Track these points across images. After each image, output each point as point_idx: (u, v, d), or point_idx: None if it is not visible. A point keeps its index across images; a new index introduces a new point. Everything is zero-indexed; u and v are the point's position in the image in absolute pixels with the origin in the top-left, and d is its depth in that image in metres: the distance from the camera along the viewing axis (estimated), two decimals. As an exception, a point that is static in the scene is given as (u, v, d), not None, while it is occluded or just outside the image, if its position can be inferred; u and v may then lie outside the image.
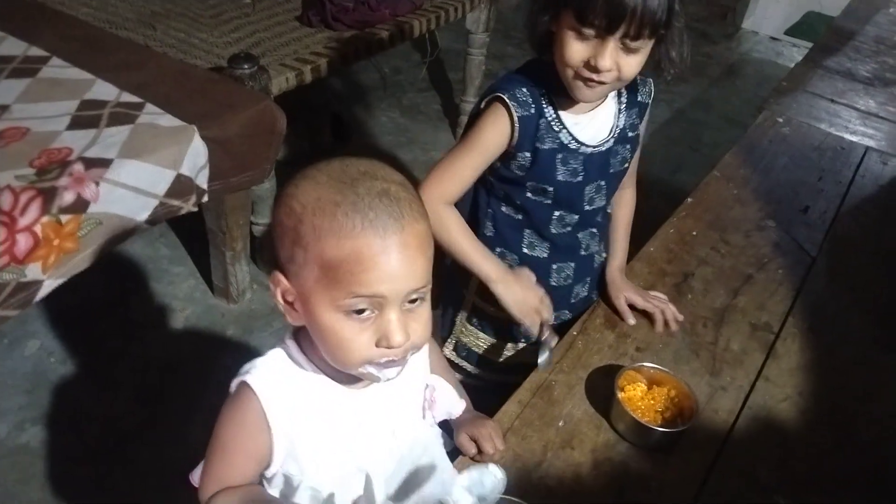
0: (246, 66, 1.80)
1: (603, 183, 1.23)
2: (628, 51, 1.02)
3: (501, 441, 1.01)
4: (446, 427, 1.03)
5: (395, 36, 2.39)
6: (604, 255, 1.37)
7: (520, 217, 1.25)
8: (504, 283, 1.17)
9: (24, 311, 1.35)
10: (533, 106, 1.14)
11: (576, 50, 1.03)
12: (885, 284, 1.49)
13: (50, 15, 2.00)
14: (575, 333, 1.24)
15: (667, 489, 1.01)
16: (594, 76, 1.04)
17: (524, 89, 1.14)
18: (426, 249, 0.74)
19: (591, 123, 1.18)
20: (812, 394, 1.20)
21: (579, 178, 1.19)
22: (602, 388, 1.12)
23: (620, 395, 1.07)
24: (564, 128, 1.16)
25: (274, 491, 0.84)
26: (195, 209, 1.63)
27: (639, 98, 1.23)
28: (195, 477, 0.85)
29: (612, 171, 1.23)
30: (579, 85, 1.07)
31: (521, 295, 1.17)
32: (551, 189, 1.19)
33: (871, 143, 2.01)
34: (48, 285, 1.36)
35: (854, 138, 2.02)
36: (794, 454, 1.09)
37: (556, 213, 1.23)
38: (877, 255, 1.59)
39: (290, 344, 0.82)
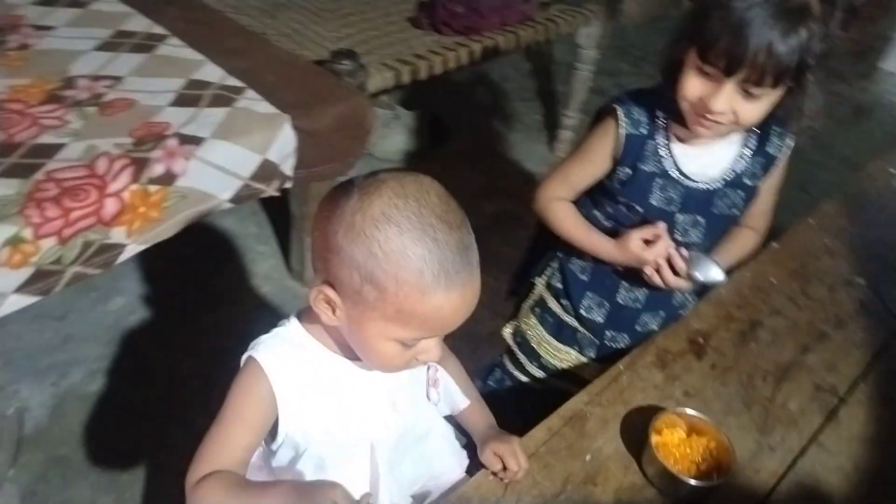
0: (346, 62, 1.85)
1: (702, 220, 1.20)
2: (749, 96, 1.00)
3: (525, 459, 1.00)
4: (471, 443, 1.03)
5: (500, 44, 2.39)
6: (690, 299, 1.34)
7: (607, 224, 1.25)
8: (621, 260, 1.22)
9: (105, 272, 1.44)
10: (645, 126, 1.15)
11: (693, 86, 1.03)
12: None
13: (177, -4, 2.13)
14: (622, 367, 1.20)
15: (687, 544, 0.97)
16: (707, 115, 1.02)
17: (641, 108, 1.16)
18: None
19: (702, 159, 1.16)
20: (870, 468, 1.12)
21: (673, 208, 1.18)
22: (639, 427, 1.08)
23: (655, 438, 1.04)
24: (671, 156, 1.16)
25: (280, 460, 0.89)
26: (277, 194, 1.68)
27: (768, 149, 1.19)
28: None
29: (715, 211, 1.20)
30: (694, 120, 1.07)
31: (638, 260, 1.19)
32: (641, 210, 1.19)
33: None
34: (130, 249, 1.45)
35: (975, 199, 1.86)
36: (837, 528, 1.03)
37: None
38: (976, 331, 1.46)
39: (294, 322, 0.89)
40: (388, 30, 2.40)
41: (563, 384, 1.36)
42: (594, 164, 1.21)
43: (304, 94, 1.73)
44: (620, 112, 1.15)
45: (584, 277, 1.32)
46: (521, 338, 1.42)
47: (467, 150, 3.02)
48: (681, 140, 1.16)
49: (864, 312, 1.43)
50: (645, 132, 1.15)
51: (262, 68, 1.80)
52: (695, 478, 1.01)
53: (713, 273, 1.20)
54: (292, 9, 2.48)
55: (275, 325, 0.91)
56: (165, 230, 1.50)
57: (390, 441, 0.91)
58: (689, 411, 1.07)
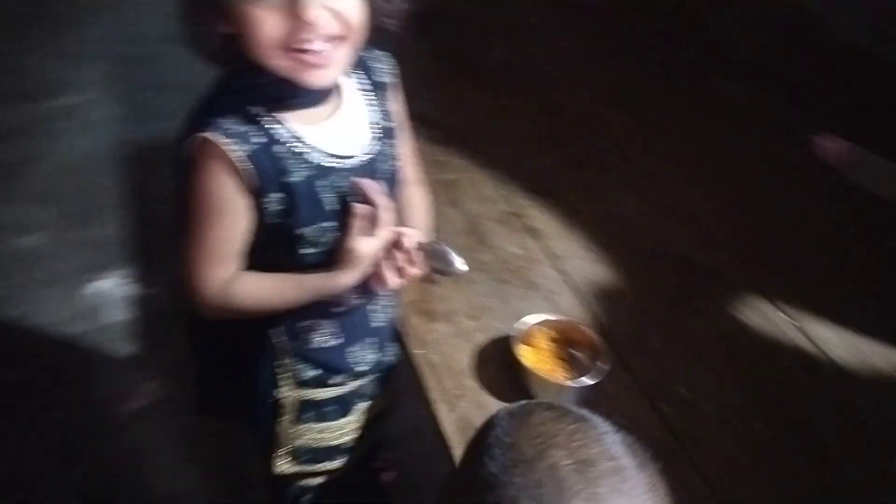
0: None
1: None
2: None
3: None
4: None
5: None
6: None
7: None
8: (342, 281, 0.94)
9: None
10: (255, 133, 0.87)
11: (269, 23, 0.79)
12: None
13: None
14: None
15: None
16: (310, 37, 0.80)
17: (230, 117, 0.87)
18: None
19: (343, 129, 0.95)
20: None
21: (350, 199, 0.95)
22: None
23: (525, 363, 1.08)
24: (310, 146, 0.91)
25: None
26: None
27: (376, 78, 1.01)
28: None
29: (380, 176, 0.98)
30: (299, 66, 0.83)
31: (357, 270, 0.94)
32: (328, 226, 0.95)
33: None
34: None
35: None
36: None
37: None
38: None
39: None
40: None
41: (367, 445, 1.21)
42: (236, 213, 0.90)
43: None
44: (218, 137, 0.85)
45: (337, 342, 1.06)
46: (306, 454, 1.15)
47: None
48: (303, 122, 0.91)
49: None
50: (260, 139, 0.87)
51: None
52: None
53: (456, 263, 0.97)
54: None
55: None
56: None
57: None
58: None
